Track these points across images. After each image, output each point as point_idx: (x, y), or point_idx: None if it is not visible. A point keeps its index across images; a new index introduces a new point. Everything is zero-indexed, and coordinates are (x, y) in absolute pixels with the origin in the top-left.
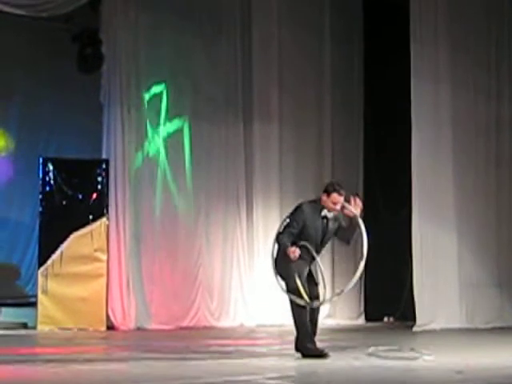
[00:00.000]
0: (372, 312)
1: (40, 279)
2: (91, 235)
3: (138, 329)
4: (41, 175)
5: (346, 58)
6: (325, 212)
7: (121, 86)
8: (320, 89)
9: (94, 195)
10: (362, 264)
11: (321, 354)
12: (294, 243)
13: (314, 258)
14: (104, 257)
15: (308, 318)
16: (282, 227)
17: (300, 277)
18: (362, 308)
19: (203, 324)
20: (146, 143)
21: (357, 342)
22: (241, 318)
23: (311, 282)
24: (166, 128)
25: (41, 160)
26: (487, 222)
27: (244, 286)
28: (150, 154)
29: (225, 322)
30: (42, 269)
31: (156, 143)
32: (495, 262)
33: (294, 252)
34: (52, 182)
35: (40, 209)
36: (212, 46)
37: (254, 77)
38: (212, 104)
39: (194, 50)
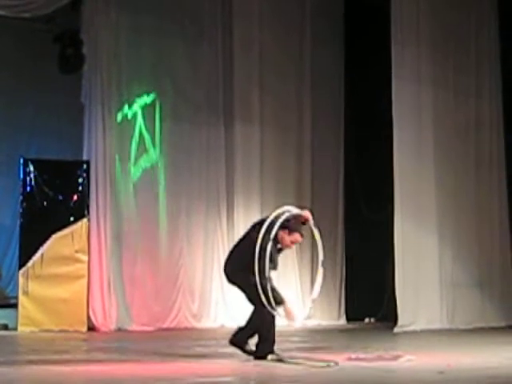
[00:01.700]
0: (353, 313)
1: (21, 280)
2: (72, 236)
3: (119, 330)
4: (21, 176)
5: (327, 60)
6: (279, 246)
7: (102, 87)
8: (301, 90)
9: (75, 196)
10: (321, 270)
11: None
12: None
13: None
14: (85, 258)
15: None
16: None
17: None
18: (343, 309)
19: (184, 325)
20: (127, 144)
21: (337, 343)
22: (221, 319)
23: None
24: (147, 129)
25: (22, 161)
26: (468, 222)
27: (225, 287)
28: (132, 156)
29: (206, 323)
30: (22, 270)
31: (137, 144)
32: (476, 262)
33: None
34: (33, 183)
35: (20, 210)
36: (193, 48)
37: (235, 78)
38: (193, 105)
39: (175, 52)
